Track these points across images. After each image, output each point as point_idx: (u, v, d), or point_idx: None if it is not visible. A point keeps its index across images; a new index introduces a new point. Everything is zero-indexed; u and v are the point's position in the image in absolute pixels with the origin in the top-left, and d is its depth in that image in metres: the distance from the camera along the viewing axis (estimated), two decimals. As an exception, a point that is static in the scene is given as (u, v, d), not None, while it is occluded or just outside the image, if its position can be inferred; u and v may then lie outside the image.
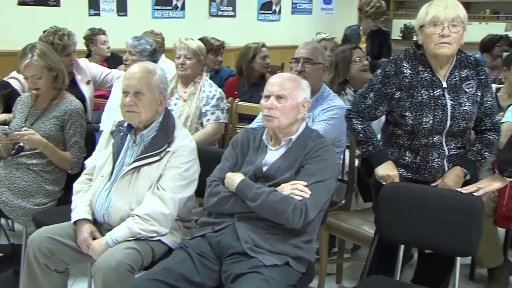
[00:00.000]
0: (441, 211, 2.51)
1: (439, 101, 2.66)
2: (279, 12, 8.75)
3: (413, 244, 2.69)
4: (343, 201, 3.57)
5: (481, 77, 2.76)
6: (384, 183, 2.75)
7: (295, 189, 2.46)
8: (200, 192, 2.75)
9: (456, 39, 2.60)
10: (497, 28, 8.86)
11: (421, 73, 2.69)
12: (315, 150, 2.58)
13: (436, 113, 2.64)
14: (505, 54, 5.52)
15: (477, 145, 2.78)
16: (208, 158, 2.87)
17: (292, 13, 9.03)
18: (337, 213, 3.40)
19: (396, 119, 2.77)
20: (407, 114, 2.68)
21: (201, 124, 3.88)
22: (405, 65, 2.72)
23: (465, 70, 2.73)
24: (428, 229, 2.54)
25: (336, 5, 9.70)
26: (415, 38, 9.97)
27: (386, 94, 2.74)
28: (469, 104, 2.71)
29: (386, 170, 2.75)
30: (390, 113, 2.80)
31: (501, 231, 3.64)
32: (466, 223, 2.47)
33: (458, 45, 2.64)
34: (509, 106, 3.81)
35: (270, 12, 8.60)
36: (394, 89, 2.71)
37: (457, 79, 2.72)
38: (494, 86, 4.47)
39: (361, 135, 2.82)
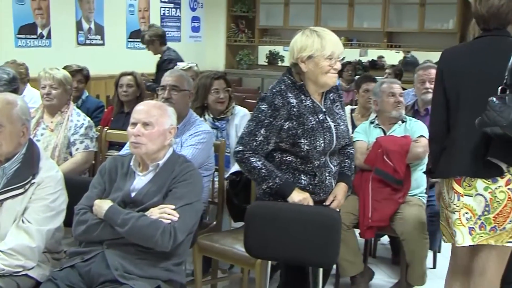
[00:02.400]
0: (303, 226, 2.60)
1: (325, 124, 2.74)
2: (148, 40, 8.72)
3: (280, 259, 2.76)
4: (214, 223, 3.60)
5: (341, 99, 2.95)
6: None
7: (163, 213, 2.47)
8: (70, 222, 2.67)
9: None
10: (352, 53, 9.43)
11: (303, 101, 2.73)
12: (182, 174, 2.60)
13: (325, 136, 2.72)
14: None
15: (346, 160, 2.92)
16: (77, 187, 2.79)
17: (162, 41, 9.04)
18: (210, 234, 3.42)
19: (286, 148, 2.74)
20: (302, 141, 2.68)
21: (70, 154, 3.77)
22: (289, 95, 2.71)
23: (331, 94, 2.86)
24: (292, 244, 2.62)
25: (204, 33, 9.84)
26: (280, 64, 10.43)
27: (277, 127, 2.68)
28: (343, 123, 2.87)
29: (301, 194, 2.71)
30: (278, 143, 2.75)
31: (361, 241, 3.84)
32: (327, 236, 2.57)
33: None
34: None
35: (139, 40, 8.55)
36: (283, 120, 2.68)
37: (329, 102, 2.84)
38: (349, 107, 4.77)
39: (263, 170, 2.68)
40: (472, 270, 2.76)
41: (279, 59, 10.40)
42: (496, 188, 2.55)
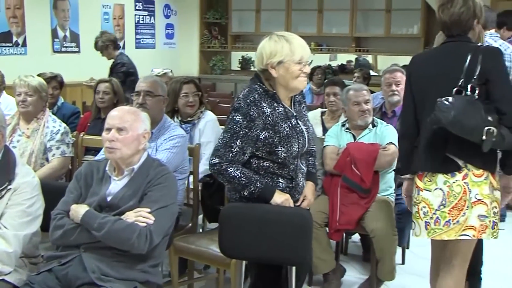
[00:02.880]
0: (275, 226, 2.61)
1: (297, 129, 2.71)
2: (123, 47, 8.67)
3: (254, 259, 2.76)
4: (190, 224, 3.60)
5: (304, 100, 2.92)
6: None
7: (139, 216, 2.46)
8: (46, 227, 2.64)
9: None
10: (322, 58, 9.49)
11: (276, 108, 2.67)
12: (157, 178, 2.59)
13: (299, 140, 2.69)
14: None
15: (310, 158, 2.91)
16: (54, 192, 2.76)
17: (136, 48, 9.00)
18: (185, 236, 3.41)
19: (263, 155, 2.68)
20: (279, 149, 2.63)
21: (47, 160, 3.73)
22: (264, 104, 2.63)
23: (297, 96, 2.82)
24: (265, 243, 2.62)
25: (178, 40, 9.81)
26: (252, 69, 10.46)
27: (253, 137, 2.60)
28: (310, 124, 2.87)
29: (282, 196, 2.68)
30: (254, 152, 2.68)
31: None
32: (299, 235, 2.58)
33: None
34: (330, 127, 4.09)
35: (114, 47, 8.51)
36: (259, 131, 2.61)
37: (297, 105, 2.80)
38: (320, 110, 4.79)
39: (242, 179, 2.59)
40: (442, 262, 2.82)
41: (251, 64, 10.42)
42: (454, 182, 2.65)
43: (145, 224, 2.44)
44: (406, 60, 8.26)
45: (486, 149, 2.52)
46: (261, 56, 2.64)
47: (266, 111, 2.61)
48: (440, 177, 2.68)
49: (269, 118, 2.61)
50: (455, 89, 2.57)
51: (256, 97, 2.62)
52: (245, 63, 10.42)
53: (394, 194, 3.85)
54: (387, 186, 3.81)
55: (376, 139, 3.79)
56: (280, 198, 2.65)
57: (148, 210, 2.48)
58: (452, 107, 2.49)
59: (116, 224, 2.43)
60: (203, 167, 3.67)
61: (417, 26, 8.65)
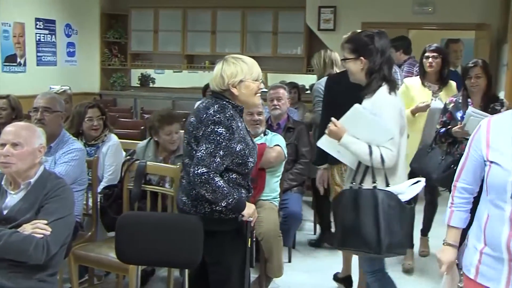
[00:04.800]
0: (168, 232, 2.60)
1: (252, 141, 2.74)
2: (24, 64, 8.27)
3: (149, 264, 2.73)
4: (90, 233, 3.50)
5: None
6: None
7: (36, 228, 2.37)
8: None
9: None
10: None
11: (241, 123, 2.68)
12: (54, 190, 2.51)
13: (255, 152, 2.73)
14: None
15: None
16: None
17: (38, 65, 8.61)
18: (85, 244, 3.33)
19: (232, 167, 2.63)
20: (250, 160, 2.65)
21: None
22: (237, 119, 2.63)
23: None
24: (159, 248, 2.60)
25: (79, 58, 9.52)
26: (151, 85, 10.33)
27: (232, 149, 2.57)
28: None
29: (251, 207, 2.68)
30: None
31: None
32: (190, 239, 2.57)
33: None
34: None
35: (15, 64, 8.10)
36: (235, 143, 2.58)
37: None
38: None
39: (225, 188, 2.52)
40: None
41: (150, 81, 10.32)
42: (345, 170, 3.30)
43: (42, 236, 2.35)
44: (292, 77, 8.48)
45: None
46: (221, 78, 2.62)
47: (239, 125, 2.62)
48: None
49: (241, 132, 2.63)
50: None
51: (232, 112, 2.60)
52: (144, 79, 10.29)
53: (279, 199, 3.95)
54: (272, 190, 3.89)
55: (266, 143, 3.89)
56: (250, 209, 2.65)
57: (45, 221, 2.40)
58: None
59: (12, 236, 2.33)
60: (102, 186, 3.69)
61: (300, 47, 8.93)
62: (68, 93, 5.00)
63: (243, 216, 2.62)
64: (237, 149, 2.58)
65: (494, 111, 3.51)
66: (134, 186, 3.30)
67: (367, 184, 2.68)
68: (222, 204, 2.54)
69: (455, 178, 2.16)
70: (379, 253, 2.61)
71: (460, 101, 3.82)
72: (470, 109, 3.58)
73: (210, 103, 2.63)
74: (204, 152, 2.51)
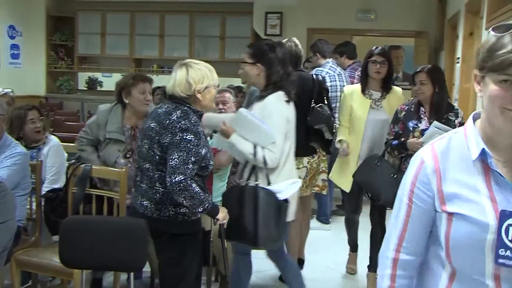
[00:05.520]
0: (112, 235, 2.56)
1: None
2: (-34, 66, 8.00)
3: (93, 268, 2.70)
4: (33, 238, 3.41)
5: None
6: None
7: (-25, 234, 2.28)
8: None
9: None
10: (164, 79, 9.48)
11: (201, 127, 2.67)
12: (-6, 195, 2.42)
13: (212, 155, 2.75)
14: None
15: None
16: None
17: (-20, 67, 8.34)
18: (28, 249, 3.25)
19: (197, 171, 2.62)
20: (210, 163, 2.67)
21: None
22: (199, 124, 2.63)
23: None
24: (103, 252, 2.56)
25: (24, 60, 9.25)
26: (99, 88, 10.17)
27: (200, 154, 2.58)
28: None
29: (224, 210, 2.72)
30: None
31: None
32: (134, 243, 2.55)
33: None
34: None
35: (-44, 66, 7.81)
36: (201, 147, 2.58)
37: None
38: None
39: (201, 194, 2.53)
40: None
41: (98, 84, 10.15)
42: (314, 161, 3.82)
43: (-19, 241, 2.27)
44: (239, 81, 8.57)
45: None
46: (188, 83, 2.61)
47: (201, 129, 2.64)
48: (305, 159, 3.77)
49: (203, 136, 2.66)
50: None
51: (195, 117, 2.60)
52: (92, 83, 10.11)
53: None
54: (219, 194, 3.88)
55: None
56: (223, 212, 2.70)
57: (-15, 226, 2.31)
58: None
59: (-50, 242, 2.24)
60: (46, 188, 3.58)
61: (247, 52, 9.02)
62: (10, 95, 4.85)
63: (217, 220, 2.68)
64: (203, 154, 2.61)
65: (448, 123, 3.36)
66: (78, 189, 3.25)
67: (253, 181, 2.93)
68: (199, 210, 2.56)
69: (392, 247, 1.43)
70: (256, 245, 2.94)
71: (412, 109, 3.54)
72: (435, 123, 3.32)
73: (171, 109, 2.62)
74: (178, 161, 2.51)
